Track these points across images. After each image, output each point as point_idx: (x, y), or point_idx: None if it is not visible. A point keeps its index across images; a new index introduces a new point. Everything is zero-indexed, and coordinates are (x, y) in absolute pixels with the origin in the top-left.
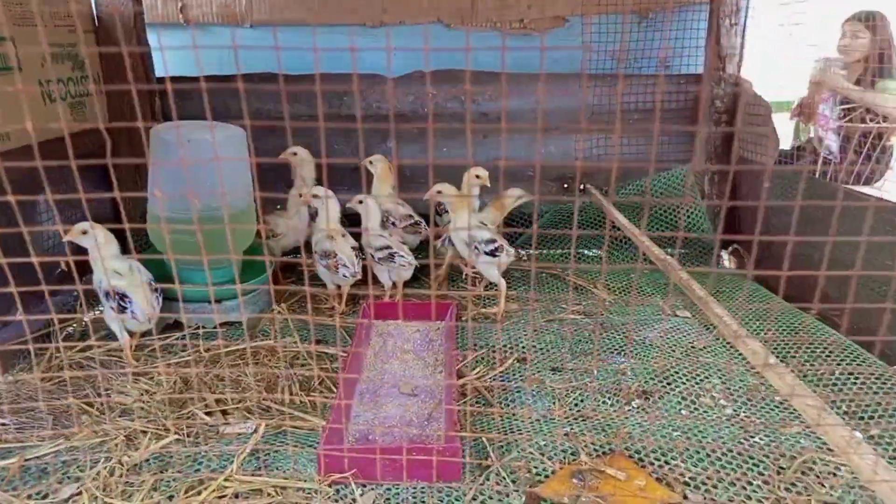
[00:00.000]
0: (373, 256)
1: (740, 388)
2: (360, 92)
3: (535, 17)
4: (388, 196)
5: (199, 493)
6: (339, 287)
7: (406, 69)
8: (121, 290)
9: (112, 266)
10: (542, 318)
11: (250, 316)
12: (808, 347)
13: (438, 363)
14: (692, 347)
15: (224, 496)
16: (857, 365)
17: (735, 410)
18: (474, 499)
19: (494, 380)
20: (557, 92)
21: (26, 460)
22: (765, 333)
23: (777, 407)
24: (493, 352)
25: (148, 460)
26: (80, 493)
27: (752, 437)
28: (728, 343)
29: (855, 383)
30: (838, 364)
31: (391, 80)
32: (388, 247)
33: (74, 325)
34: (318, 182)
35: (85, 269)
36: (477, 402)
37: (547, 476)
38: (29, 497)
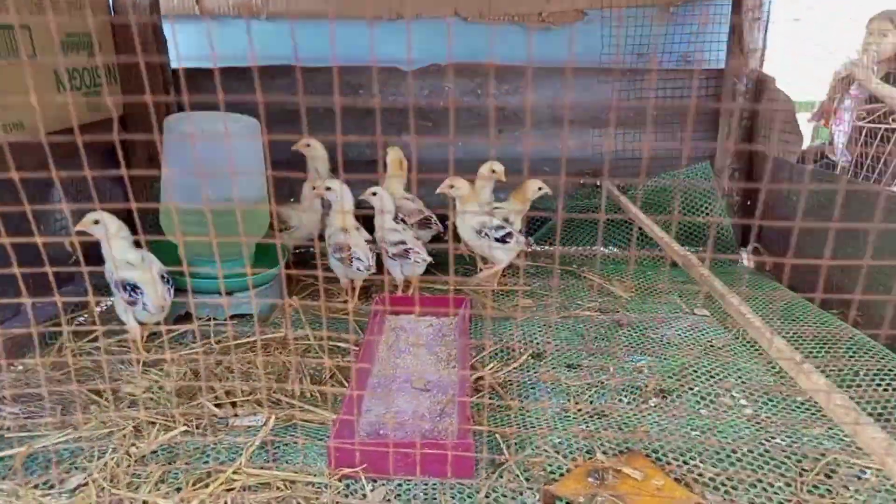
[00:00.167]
0: (386, 251)
1: (760, 387)
2: (375, 83)
3: (553, 11)
4: (399, 190)
5: (206, 486)
6: (351, 281)
7: (422, 62)
8: (132, 281)
9: (124, 256)
10: (558, 314)
11: (263, 302)
12: (832, 347)
13: (452, 358)
14: (711, 346)
15: (232, 489)
16: (885, 364)
17: (755, 410)
18: (487, 496)
19: (509, 375)
20: (577, 86)
21: (34, 450)
22: (786, 333)
23: (798, 407)
24: (509, 347)
25: (156, 451)
26: (86, 484)
27: (773, 437)
28: (748, 342)
29: (880, 385)
30: (863, 364)
31: (410, 73)
32: (402, 242)
33: (86, 314)
34: (333, 174)
35: (99, 259)
36: (491, 398)
37: (562, 474)
38: (36, 487)
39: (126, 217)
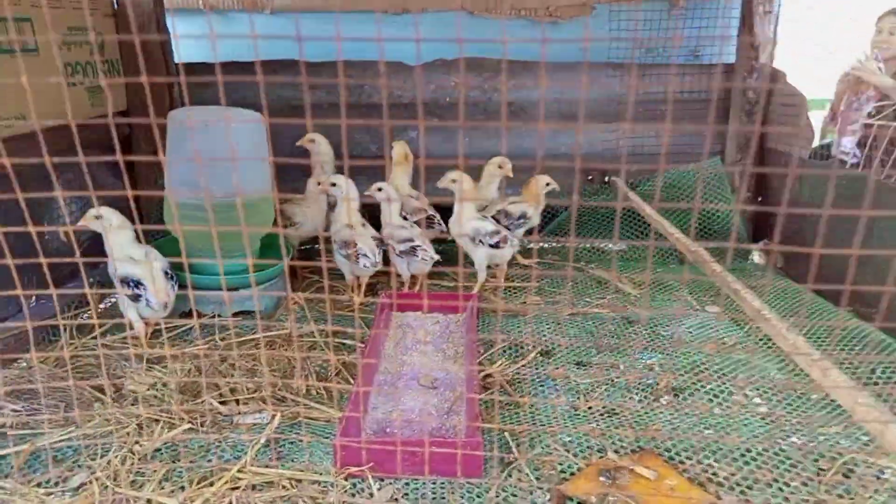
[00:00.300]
0: (393, 248)
1: (774, 384)
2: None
3: (561, 5)
4: (405, 185)
5: (211, 485)
6: (357, 277)
7: (428, 58)
8: (135, 277)
9: (126, 252)
10: (565, 311)
11: (267, 297)
12: (847, 343)
13: (459, 355)
14: (722, 343)
15: (237, 488)
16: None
17: (770, 408)
18: (497, 495)
19: (517, 373)
20: (581, 82)
21: (36, 448)
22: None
23: (814, 405)
24: (517, 344)
25: (159, 449)
26: (89, 483)
27: (788, 435)
28: (760, 339)
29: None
30: (881, 361)
31: (418, 68)
32: (410, 239)
33: (90, 311)
34: (338, 170)
35: (102, 254)
36: (500, 396)
37: (573, 473)
38: (38, 485)
39: (131, 214)
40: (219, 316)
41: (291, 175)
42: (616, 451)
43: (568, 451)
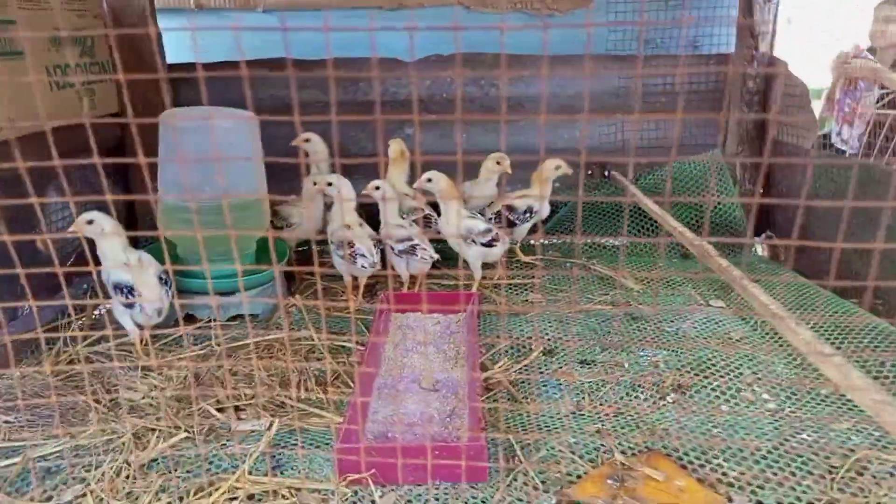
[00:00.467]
0: (392, 248)
1: (783, 380)
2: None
3: None
4: (401, 184)
5: (209, 495)
6: (355, 278)
7: (423, 53)
8: (128, 283)
9: (120, 257)
10: (568, 308)
11: (263, 302)
12: (855, 337)
13: (460, 356)
14: (728, 338)
15: (236, 498)
16: None
17: (778, 405)
18: (501, 501)
19: (520, 373)
20: (582, 75)
21: (29, 460)
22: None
23: (824, 401)
24: (519, 344)
25: (156, 460)
26: (84, 495)
27: (798, 433)
28: (767, 333)
29: None
30: (890, 354)
31: (412, 64)
32: (409, 238)
33: (84, 318)
34: (334, 170)
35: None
36: (502, 397)
37: (579, 476)
38: (31, 499)
39: (126, 219)
40: (215, 321)
41: (286, 175)
42: (623, 453)
43: (574, 453)
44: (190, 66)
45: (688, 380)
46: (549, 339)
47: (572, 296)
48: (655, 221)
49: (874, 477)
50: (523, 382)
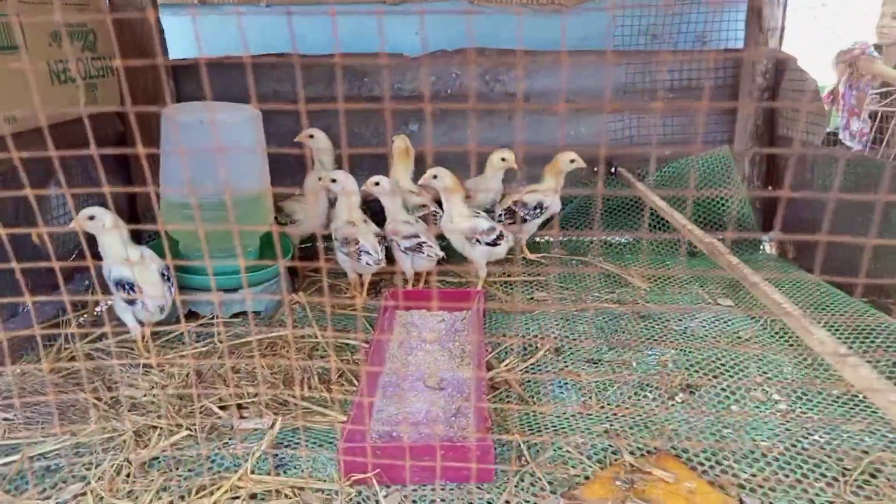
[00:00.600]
0: (398, 244)
1: (794, 381)
2: (380, 72)
3: None
4: (405, 180)
5: (211, 494)
6: (360, 276)
7: (429, 49)
8: (130, 279)
9: (121, 253)
10: (574, 307)
11: (266, 299)
12: (867, 337)
13: (466, 354)
14: (737, 338)
15: (238, 497)
16: None
17: (789, 405)
18: (507, 501)
19: (526, 372)
20: (589, 70)
21: (30, 457)
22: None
23: (835, 401)
24: (525, 342)
25: (157, 458)
26: (84, 494)
27: (809, 434)
28: (777, 332)
29: None
30: None
31: (423, 58)
32: (416, 235)
33: (85, 315)
34: (338, 166)
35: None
36: (507, 396)
37: (587, 478)
38: (31, 497)
39: (128, 216)
40: (217, 318)
41: (290, 171)
42: (632, 454)
43: (581, 453)
44: (193, 64)
45: (697, 380)
46: (555, 338)
47: (579, 294)
48: (664, 219)
49: (888, 479)
50: (530, 381)
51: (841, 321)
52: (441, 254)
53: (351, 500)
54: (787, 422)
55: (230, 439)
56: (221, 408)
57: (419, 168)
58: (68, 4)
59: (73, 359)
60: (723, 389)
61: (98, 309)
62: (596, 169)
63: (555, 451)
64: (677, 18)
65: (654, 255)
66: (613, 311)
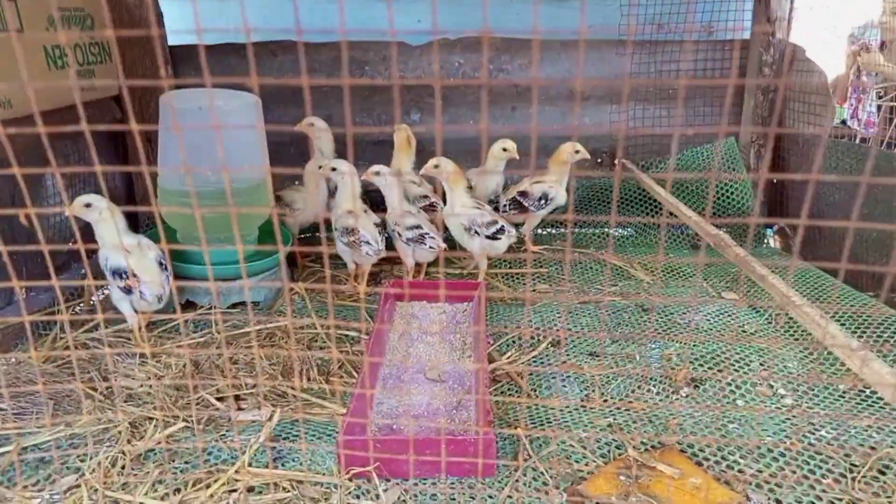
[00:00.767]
0: (399, 235)
1: (800, 375)
2: (383, 60)
3: None
4: (407, 169)
5: (207, 487)
6: (359, 266)
7: (431, 36)
8: (127, 269)
9: (118, 242)
10: (576, 299)
11: (265, 288)
12: (875, 330)
13: (467, 346)
14: (742, 331)
15: (235, 490)
16: None
17: (795, 400)
18: (509, 496)
19: (528, 364)
20: (593, 60)
21: (23, 449)
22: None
23: (842, 396)
24: (527, 334)
25: (153, 450)
26: (78, 486)
27: (817, 429)
28: (782, 326)
29: None
30: None
31: (420, 47)
32: (418, 226)
33: (82, 304)
34: (338, 155)
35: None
36: (509, 389)
37: (591, 472)
38: (24, 488)
39: (127, 201)
40: (215, 308)
41: (290, 160)
42: (636, 448)
43: (585, 448)
44: (193, 48)
45: (701, 373)
46: (557, 330)
47: (582, 287)
48: (669, 211)
49: None
50: (531, 374)
51: (846, 314)
52: (443, 245)
53: (350, 493)
54: (794, 417)
55: (227, 431)
56: (219, 399)
57: (420, 158)
58: None
59: (68, 348)
60: (728, 384)
61: (94, 298)
62: (599, 160)
63: (558, 445)
64: (684, 8)
65: (658, 247)
66: (617, 304)
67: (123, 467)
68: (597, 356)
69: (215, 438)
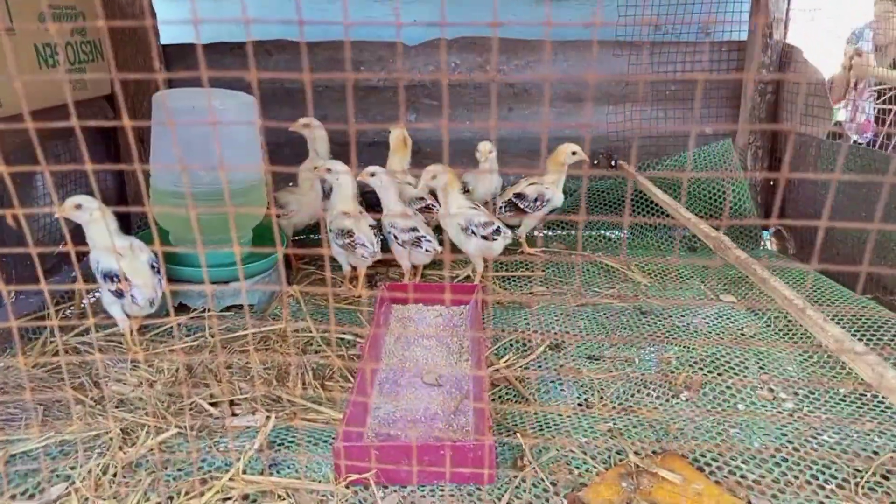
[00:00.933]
0: (395, 237)
1: (800, 379)
2: (379, 60)
3: None
4: (400, 173)
5: (201, 495)
6: (354, 269)
7: (425, 36)
8: (118, 272)
9: (109, 244)
10: (574, 301)
11: (260, 291)
12: (875, 333)
13: (464, 350)
14: (741, 334)
15: (229, 498)
16: None
17: (796, 404)
18: (509, 503)
19: (526, 368)
20: (589, 61)
21: (11, 456)
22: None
23: (843, 400)
24: (525, 338)
25: (145, 457)
26: (68, 494)
27: (818, 434)
28: (781, 329)
29: None
30: None
31: (415, 48)
32: (414, 229)
33: (72, 308)
34: (333, 156)
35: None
36: (507, 393)
37: (592, 478)
38: (13, 497)
39: (118, 202)
40: (208, 311)
41: (285, 162)
42: (637, 454)
43: (585, 453)
44: (188, 47)
45: (701, 377)
46: (555, 334)
47: (577, 288)
48: (665, 212)
49: None
50: (529, 378)
51: (846, 316)
52: (439, 248)
53: (347, 501)
54: (795, 421)
55: (221, 437)
56: (212, 404)
57: (416, 159)
58: None
59: (57, 353)
60: (728, 388)
61: (84, 301)
62: (596, 161)
63: (558, 450)
64: (681, 9)
65: (655, 249)
66: (614, 307)
67: (115, 475)
68: (596, 359)
69: (209, 445)
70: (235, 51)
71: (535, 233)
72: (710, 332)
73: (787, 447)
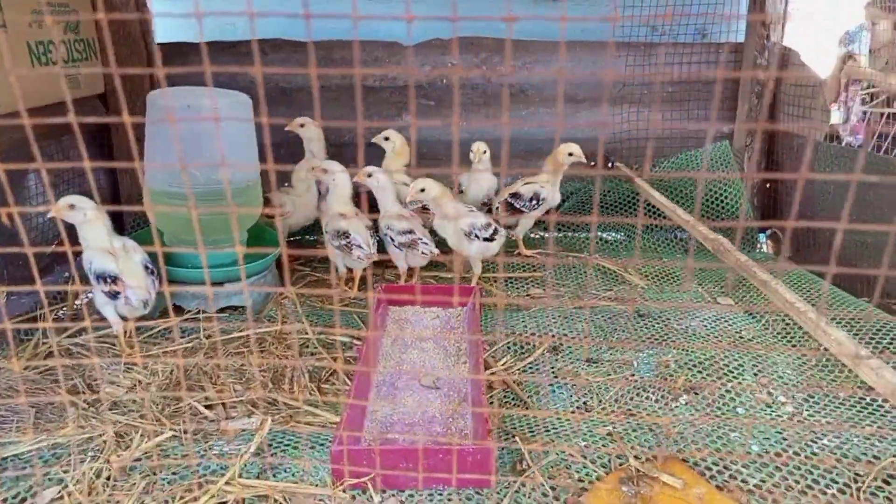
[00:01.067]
0: (392, 239)
1: (800, 383)
2: (375, 60)
3: None
4: (398, 173)
5: (196, 499)
6: (350, 270)
7: (424, 36)
8: (112, 272)
9: (103, 244)
10: (571, 304)
11: (256, 292)
12: (874, 336)
13: (462, 352)
14: (739, 337)
15: (225, 502)
16: None
17: (796, 408)
18: None
19: (524, 371)
20: (587, 62)
21: (3, 459)
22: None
23: (843, 404)
24: (522, 341)
25: (139, 460)
26: (61, 498)
27: (819, 438)
28: (779, 332)
29: None
30: None
31: (413, 47)
32: (411, 231)
33: (65, 308)
34: (329, 156)
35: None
36: (505, 396)
37: (591, 483)
38: (5, 501)
39: (112, 208)
40: (204, 312)
41: (280, 161)
42: (637, 458)
43: (585, 457)
44: (182, 45)
45: (700, 380)
46: (553, 336)
47: (577, 292)
48: (662, 214)
49: None
50: (528, 381)
51: (845, 320)
52: (436, 251)
53: None
54: (795, 425)
55: (217, 440)
56: (207, 407)
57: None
58: None
59: (50, 355)
60: (728, 391)
61: (77, 302)
62: (593, 163)
63: (557, 454)
64: (677, 10)
65: (652, 252)
66: (612, 309)
67: (109, 479)
68: (594, 362)
69: (204, 448)
70: (230, 50)
71: (533, 235)
72: (708, 336)
73: (787, 451)
